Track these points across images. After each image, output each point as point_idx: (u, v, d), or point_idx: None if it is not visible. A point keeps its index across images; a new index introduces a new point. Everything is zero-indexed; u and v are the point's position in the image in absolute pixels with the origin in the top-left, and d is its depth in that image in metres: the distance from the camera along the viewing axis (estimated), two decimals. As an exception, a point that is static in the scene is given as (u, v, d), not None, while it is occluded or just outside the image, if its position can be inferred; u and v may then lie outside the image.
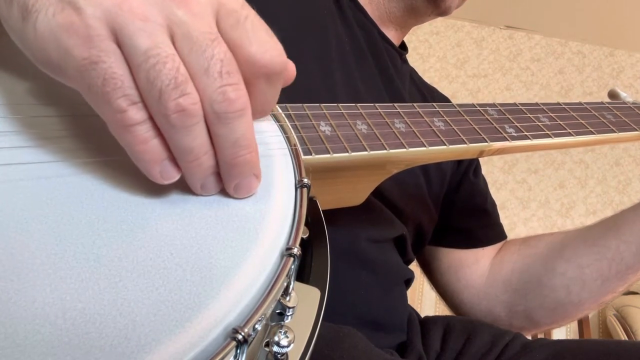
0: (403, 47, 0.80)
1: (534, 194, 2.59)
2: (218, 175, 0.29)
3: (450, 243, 0.76)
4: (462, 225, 0.76)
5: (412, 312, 0.65)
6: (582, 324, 1.82)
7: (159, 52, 0.25)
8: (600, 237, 0.66)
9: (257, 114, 0.30)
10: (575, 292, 0.66)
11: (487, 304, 0.73)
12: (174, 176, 0.28)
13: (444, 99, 0.83)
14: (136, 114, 0.26)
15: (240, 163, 0.29)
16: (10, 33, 0.28)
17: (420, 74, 0.83)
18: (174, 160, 0.28)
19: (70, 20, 0.25)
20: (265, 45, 0.28)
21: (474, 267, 0.75)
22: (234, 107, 0.27)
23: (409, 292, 0.66)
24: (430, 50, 2.84)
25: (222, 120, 0.27)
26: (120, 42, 0.25)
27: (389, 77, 0.69)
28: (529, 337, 0.63)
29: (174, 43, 0.26)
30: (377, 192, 0.54)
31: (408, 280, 0.65)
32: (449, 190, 0.75)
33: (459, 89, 2.79)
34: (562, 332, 2.08)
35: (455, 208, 0.75)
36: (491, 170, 2.59)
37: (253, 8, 0.30)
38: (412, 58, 2.68)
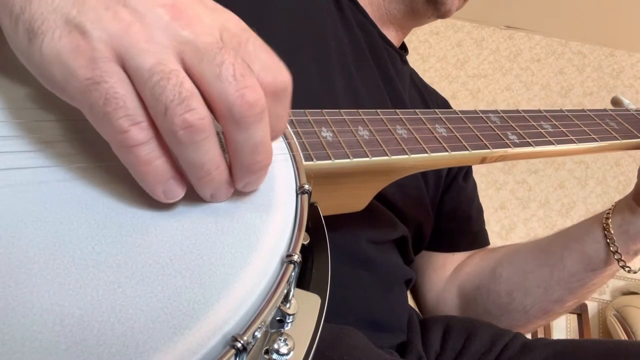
0: (403, 48, 0.79)
1: (534, 194, 2.59)
2: (228, 184, 0.29)
3: (429, 245, 0.76)
4: (440, 226, 0.75)
5: (413, 312, 0.66)
6: (582, 324, 1.82)
7: (162, 69, 0.25)
8: (549, 245, 0.66)
9: (272, 134, 0.29)
10: (518, 298, 0.67)
11: (443, 308, 0.74)
12: (178, 195, 0.28)
13: (442, 101, 0.83)
14: (138, 134, 0.26)
15: (258, 169, 0.29)
16: (16, 52, 0.28)
17: (420, 74, 0.83)
18: (178, 178, 0.28)
19: (76, 43, 0.25)
20: (267, 64, 0.28)
21: (439, 271, 0.75)
22: (254, 110, 0.26)
23: (409, 293, 0.66)
24: (430, 50, 2.84)
25: (241, 125, 0.27)
26: (125, 64, 0.26)
27: (389, 78, 0.69)
28: (529, 337, 0.63)
29: (184, 62, 0.26)
30: (379, 194, 0.54)
31: (408, 281, 0.65)
32: (441, 192, 0.75)
33: (459, 89, 2.78)
34: (562, 333, 2.08)
35: (441, 210, 0.75)
36: (491, 170, 2.58)
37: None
38: (413, 58, 2.68)
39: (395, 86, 0.69)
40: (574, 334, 2.05)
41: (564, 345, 0.55)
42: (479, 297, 0.70)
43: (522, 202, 2.57)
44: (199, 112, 0.26)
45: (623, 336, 1.92)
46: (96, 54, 0.25)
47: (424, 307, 0.77)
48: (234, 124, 0.27)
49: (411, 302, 0.67)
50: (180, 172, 0.28)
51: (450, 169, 0.76)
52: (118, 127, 0.25)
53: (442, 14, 0.72)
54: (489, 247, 0.77)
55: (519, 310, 0.67)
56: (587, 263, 0.62)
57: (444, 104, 0.83)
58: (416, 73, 0.82)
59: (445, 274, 0.75)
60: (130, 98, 0.25)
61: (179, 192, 0.28)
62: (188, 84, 0.26)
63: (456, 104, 0.67)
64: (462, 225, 0.77)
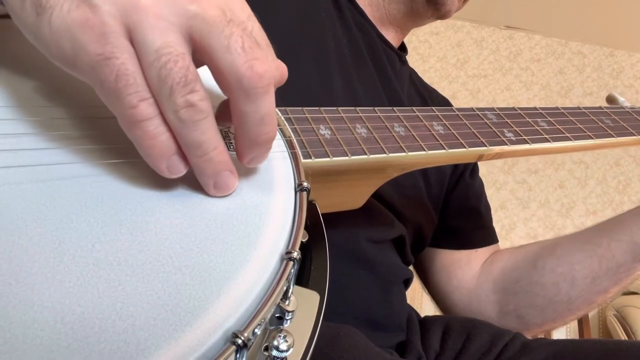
0: (402, 48, 0.79)
1: (534, 194, 2.58)
2: (230, 171, 0.30)
3: (443, 243, 0.76)
4: (454, 225, 0.76)
5: (412, 312, 0.66)
6: (582, 324, 1.82)
7: (170, 51, 0.26)
8: (593, 236, 0.66)
9: None
10: (564, 289, 0.66)
11: (477, 305, 0.73)
12: (181, 170, 0.29)
13: (443, 100, 0.83)
14: (146, 109, 0.26)
15: (265, 141, 0.29)
16: (22, 28, 0.28)
17: (420, 74, 0.83)
18: (182, 155, 0.28)
19: (85, 16, 0.25)
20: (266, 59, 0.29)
21: (466, 268, 0.75)
22: (263, 81, 0.27)
23: (409, 292, 0.66)
24: (430, 50, 2.84)
25: (251, 96, 0.27)
26: (133, 39, 0.26)
27: (387, 79, 0.69)
28: (529, 337, 0.63)
29: (192, 36, 0.27)
30: (376, 194, 0.54)
31: (407, 280, 0.65)
32: (447, 190, 0.75)
33: (459, 89, 2.78)
34: (562, 332, 2.08)
35: (450, 208, 0.75)
36: (491, 170, 2.58)
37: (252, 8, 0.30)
38: (412, 58, 2.68)
39: (394, 87, 0.69)
40: (573, 334, 2.04)
41: (564, 345, 0.55)
42: (520, 291, 0.70)
43: (522, 202, 2.56)
44: (200, 94, 0.26)
45: (623, 336, 1.92)
46: (106, 28, 0.25)
47: (451, 305, 0.76)
48: (244, 95, 0.27)
49: (410, 301, 0.67)
50: (182, 153, 0.28)
51: (455, 167, 0.76)
52: (128, 102, 0.26)
53: (442, 15, 0.73)
54: (517, 245, 0.77)
55: (563, 301, 0.67)
56: (638, 253, 0.62)
57: (444, 103, 0.83)
58: (416, 73, 0.82)
59: (473, 271, 0.75)
60: (139, 74, 0.26)
61: (182, 168, 0.29)
62: (192, 67, 0.26)
63: (456, 104, 0.67)
64: (473, 221, 0.77)
